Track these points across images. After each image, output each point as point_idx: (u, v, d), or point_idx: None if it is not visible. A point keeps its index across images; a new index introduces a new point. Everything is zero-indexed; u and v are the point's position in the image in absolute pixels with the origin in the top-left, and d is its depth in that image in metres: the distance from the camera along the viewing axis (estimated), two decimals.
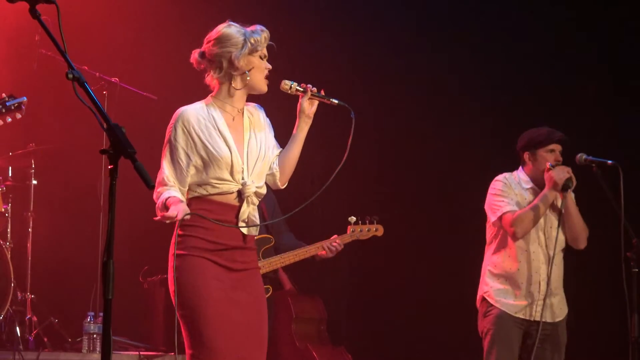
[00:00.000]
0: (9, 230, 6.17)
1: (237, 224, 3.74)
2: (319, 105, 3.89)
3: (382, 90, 7.38)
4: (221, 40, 3.76)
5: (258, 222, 3.82)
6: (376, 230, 5.50)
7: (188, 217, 3.61)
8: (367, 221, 5.48)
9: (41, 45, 6.31)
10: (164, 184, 3.72)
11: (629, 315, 4.83)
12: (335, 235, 5.46)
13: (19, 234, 6.31)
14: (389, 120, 7.42)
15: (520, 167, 5.29)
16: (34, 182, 6.41)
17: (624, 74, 6.93)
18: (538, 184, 5.19)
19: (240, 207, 3.75)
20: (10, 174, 6.44)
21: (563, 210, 5.13)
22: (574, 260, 5.32)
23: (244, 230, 3.76)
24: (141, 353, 5.92)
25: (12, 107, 4.05)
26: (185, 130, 3.73)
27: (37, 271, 6.30)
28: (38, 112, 6.21)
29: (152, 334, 6.47)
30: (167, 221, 3.60)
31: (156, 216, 3.64)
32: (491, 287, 5.19)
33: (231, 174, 3.72)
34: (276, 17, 6.15)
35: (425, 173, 7.31)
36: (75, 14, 6.34)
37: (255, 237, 3.90)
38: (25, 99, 4.06)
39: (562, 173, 5.06)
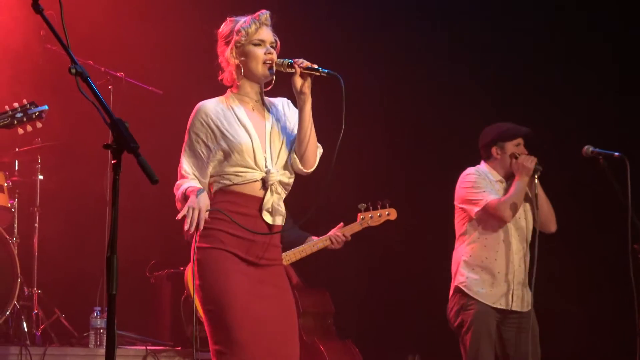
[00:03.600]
0: (15, 225, 6.18)
1: (261, 215, 3.69)
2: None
3: (391, 75, 7.35)
4: (220, 39, 3.82)
5: (284, 213, 3.76)
6: (388, 214, 5.32)
7: (207, 213, 3.58)
8: (379, 206, 5.32)
9: (46, 40, 6.30)
10: (182, 177, 3.72)
11: (635, 308, 4.83)
12: (341, 224, 5.36)
13: (25, 230, 6.31)
14: (397, 106, 7.39)
15: (482, 162, 5.38)
16: (40, 177, 6.42)
17: (630, 64, 6.91)
18: (506, 177, 5.30)
19: (264, 196, 3.71)
20: (16, 170, 6.46)
21: (533, 196, 5.24)
22: (581, 254, 5.33)
23: (268, 220, 3.71)
24: (148, 347, 5.93)
25: (34, 116, 4.03)
26: (204, 122, 3.73)
27: (43, 266, 6.31)
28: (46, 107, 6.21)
29: (159, 328, 6.48)
30: (189, 227, 3.55)
31: (177, 215, 3.60)
32: (467, 278, 5.22)
33: (254, 161, 3.69)
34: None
35: (435, 161, 7.30)
36: (81, 9, 6.35)
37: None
38: (46, 107, 4.05)
39: (530, 159, 5.20)
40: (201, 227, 3.55)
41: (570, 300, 5.37)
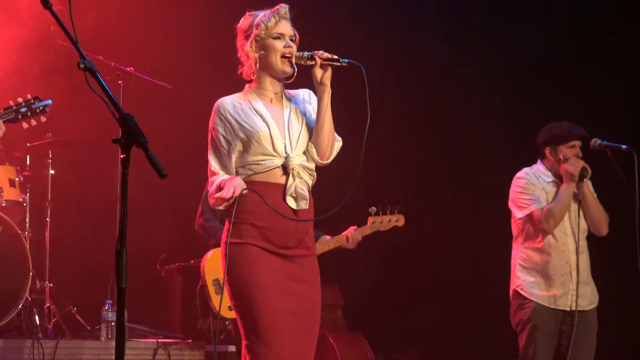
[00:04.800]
0: (27, 219, 6.20)
1: (285, 201, 3.70)
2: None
3: (404, 76, 7.35)
4: (239, 33, 3.85)
5: (308, 197, 3.77)
6: (397, 220, 5.47)
7: (246, 192, 3.63)
8: (388, 211, 5.44)
9: (57, 36, 6.31)
10: (213, 174, 3.76)
11: None
12: (355, 227, 5.44)
13: (37, 224, 6.34)
14: (411, 108, 7.39)
15: (539, 161, 5.32)
16: (52, 172, 6.44)
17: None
18: (559, 177, 5.22)
19: (287, 182, 3.73)
20: (28, 164, 6.48)
21: (581, 199, 5.15)
22: (591, 245, 5.31)
23: (293, 205, 3.72)
24: (159, 340, 5.94)
25: (38, 110, 4.04)
26: (222, 117, 3.77)
27: (55, 260, 6.33)
28: (55, 103, 6.22)
29: (169, 321, 6.50)
30: (223, 205, 3.66)
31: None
32: (523, 281, 5.20)
33: (273, 148, 3.71)
34: None
35: (446, 161, 7.30)
36: (91, 4, 6.36)
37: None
38: (50, 102, 4.06)
39: (576, 164, 5.09)
40: (236, 193, 3.61)
41: None
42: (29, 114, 4.00)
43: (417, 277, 7.21)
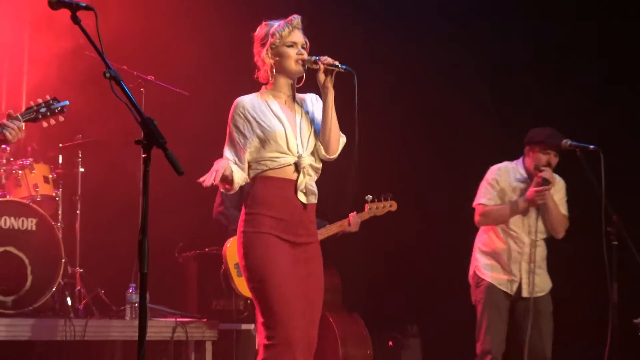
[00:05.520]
0: (59, 212, 6.19)
1: (296, 196, 3.75)
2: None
3: (402, 74, 7.28)
4: (256, 42, 3.88)
5: (316, 192, 3.81)
6: (390, 206, 5.52)
7: (226, 172, 3.66)
8: (382, 199, 5.49)
9: (85, 48, 6.30)
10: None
11: (609, 284, 4.83)
12: (354, 212, 5.48)
13: (68, 216, 6.33)
14: (407, 106, 7.33)
15: (521, 158, 5.29)
16: (81, 169, 6.42)
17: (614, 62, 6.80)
18: (531, 177, 5.19)
19: (297, 179, 3.75)
20: (60, 163, 6.48)
21: (542, 207, 5.15)
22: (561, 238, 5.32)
23: (303, 200, 3.76)
24: (177, 319, 5.94)
25: (56, 110, 3.99)
26: (241, 114, 3.78)
27: (84, 248, 6.32)
28: (84, 108, 6.22)
29: (187, 302, 6.50)
30: (223, 189, 3.72)
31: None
32: (480, 263, 5.26)
33: (287, 147, 3.74)
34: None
35: (439, 156, 7.26)
36: (115, 20, 6.35)
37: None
38: (67, 102, 4.01)
39: (541, 196, 5.04)
40: (215, 182, 3.63)
41: (553, 279, 5.34)
42: (48, 113, 3.96)
43: (407, 264, 7.21)
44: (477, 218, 5.25)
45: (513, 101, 7.03)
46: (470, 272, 5.33)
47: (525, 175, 5.23)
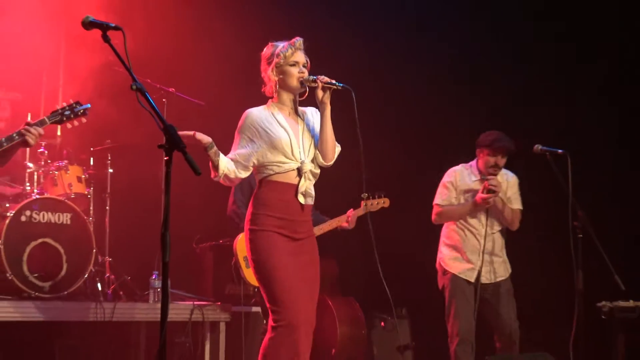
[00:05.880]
0: (91, 208, 6.20)
1: (296, 198, 3.78)
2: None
3: (399, 78, 7.22)
4: (263, 60, 3.91)
5: (313, 195, 3.85)
6: (384, 202, 5.50)
7: (206, 141, 3.69)
8: (377, 196, 5.49)
9: (114, 64, 6.30)
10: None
11: (575, 273, 4.84)
12: (352, 209, 5.49)
13: (99, 211, 6.33)
14: (402, 104, 7.27)
15: (475, 160, 5.29)
16: (110, 170, 6.43)
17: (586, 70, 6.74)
18: (482, 176, 5.20)
19: (299, 182, 3.78)
20: (91, 164, 6.48)
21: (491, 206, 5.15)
22: (533, 231, 5.32)
23: (302, 201, 3.80)
24: (195, 303, 5.95)
25: (79, 113, 3.96)
26: (250, 124, 3.81)
27: (113, 240, 6.33)
28: (113, 116, 6.23)
29: (203, 288, 6.50)
30: (216, 178, 3.75)
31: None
32: (444, 255, 5.26)
33: (292, 153, 3.76)
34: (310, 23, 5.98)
35: (422, 156, 7.23)
36: (141, 39, 6.35)
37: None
38: (89, 105, 3.98)
39: (485, 204, 5.05)
40: (194, 138, 3.69)
41: (524, 270, 5.34)
42: (72, 116, 3.93)
43: (398, 254, 7.17)
44: (433, 217, 5.29)
45: (510, 103, 6.95)
46: (437, 262, 5.35)
47: (478, 176, 5.25)
